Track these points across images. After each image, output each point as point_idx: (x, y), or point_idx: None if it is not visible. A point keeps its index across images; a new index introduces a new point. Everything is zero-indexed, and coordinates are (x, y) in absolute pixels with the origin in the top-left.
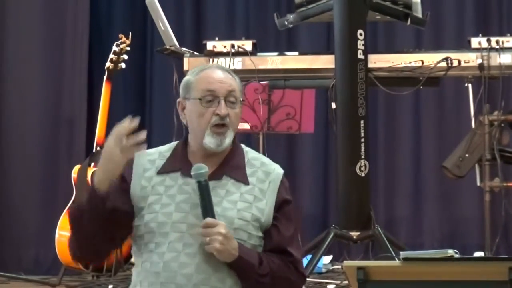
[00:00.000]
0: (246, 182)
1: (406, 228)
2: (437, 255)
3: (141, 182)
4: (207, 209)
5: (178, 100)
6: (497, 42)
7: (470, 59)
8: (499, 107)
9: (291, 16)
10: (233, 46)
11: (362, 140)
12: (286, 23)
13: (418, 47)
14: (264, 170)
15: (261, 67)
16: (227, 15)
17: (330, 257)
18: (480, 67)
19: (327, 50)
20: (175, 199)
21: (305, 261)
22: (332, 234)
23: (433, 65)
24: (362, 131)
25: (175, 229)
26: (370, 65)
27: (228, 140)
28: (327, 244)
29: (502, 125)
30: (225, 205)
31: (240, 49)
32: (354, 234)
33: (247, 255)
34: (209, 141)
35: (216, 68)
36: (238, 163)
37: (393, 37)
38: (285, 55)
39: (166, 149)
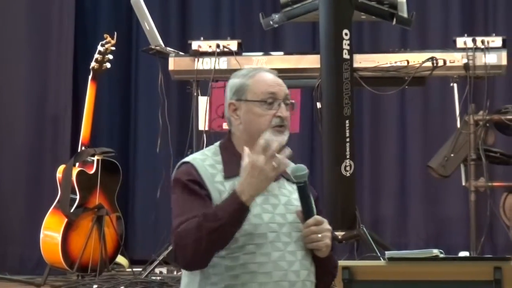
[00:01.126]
0: (292, 180)
1: (392, 228)
2: (422, 255)
3: (216, 187)
4: (310, 208)
5: (229, 102)
6: (483, 42)
7: (456, 59)
8: (484, 107)
9: (277, 16)
10: (218, 46)
11: (348, 140)
12: (271, 22)
13: (403, 47)
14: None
15: (246, 66)
16: (212, 14)
17: None
18: (466, 67)
19: (313, 50)
20: (256, 201)
21: None
22: None
23: (418, 65)
24: (347, 131)
25: (270, 229)
26: (355, 65)
27: (286, 139)
28: None
29: (487, 125)
30: (296, 203)
31: (225, 49)
32: (339, 233)
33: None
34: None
35: (268, 71)
36: None
37: (378, 37)
38: (270, 55)
39: (212, 153)
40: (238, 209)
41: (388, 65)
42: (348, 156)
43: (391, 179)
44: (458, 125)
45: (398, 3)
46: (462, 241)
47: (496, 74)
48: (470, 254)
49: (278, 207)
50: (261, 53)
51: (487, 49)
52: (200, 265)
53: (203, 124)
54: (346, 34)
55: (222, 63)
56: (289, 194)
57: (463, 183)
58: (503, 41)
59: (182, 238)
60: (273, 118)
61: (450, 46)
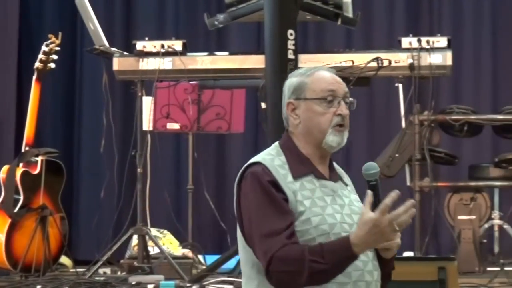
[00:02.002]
0: (345, 183)
1: None
2: None
3: (290, 187)
4: None
5: (288, 101)
6: (428, 42)
7: (401, 59)
8: (429, 107)
9: (221, 16)
10: (163, 46)
11: None
12: (216, 23)
13: (348, 47)
14: (341, 170)
15: (191, 67)
16: (157, 15)
17: None
18: (411, 67)
19: (257, 50)
20: (326, 201)
21: (234, 261)
22: None
23: (363, 65)
24: None
25: (343, 229)
26: (300, 65)
27: (345, 139)
28: None
29: (432, 125)
30: (357, 205)
31: (170, 49)
32: None
33: None
34: (332, 139)
35: (326, 69)
36: (334, 164)
37: (323, 37)
38: (215, 55)
39: (276, 153)
40: (348, 257)
41: (333, 65)
42: None
43: None
44: (403, 125)
45: (343, 3)
46: (407, 241)
47: (441, 74)
48: (414, 254)
49: (345, 207)
50: (205, 53)
51: (432, 49)
52: None
53: (147, 124)
54: (291, 34)
55: (167, 63)
56: (349, 195)
57: (408, 183)
58: (448, 41)
59: (280, 265)
60: (333, 117)
61: (395, 46)
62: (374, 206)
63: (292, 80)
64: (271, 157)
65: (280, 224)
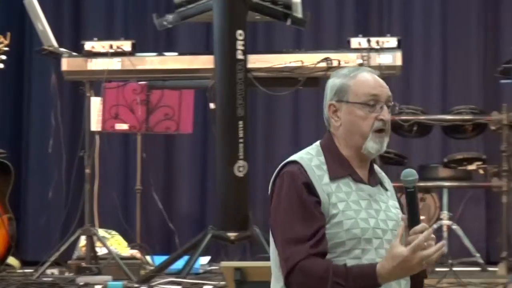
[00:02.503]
0: (385, 187)
1: None
2: None
3: (324, 189)
4: (417, 214)
5: (329, 103)
6: (377, 42)
7: (350, 59)
8: None
9: (170, 16)
10: (111, 46)
11: (241, 140)
12: (165, 23)
13: (298, 48)
14: (384, 175)
15: (139, 67)
16: (106, 15)
17: (207, 258)
18: None
19: (207, 51)
20: (361, 205)
21: (182, 261)
22: (209, 235)
23: (312, 66)
24: (240, 132)
25: (375, 235)
26: (249, 65)
27: (385, 145)
28: (204, 245)
29: None
30: (394, 211)
31: (118, 50)
32: (232, 234)
33: None
34: (371, 146)
35: (369, 71)
36: (374, 169)
37: (273, 37)
38: (164, 55)
39: (316, 153)
40: (371, 286)
41: (283, 65)
42: (241, 157)
43: None
44: None
45: (292, 3)
46: None
47: (391, 74)
48: None
49: (380, 213)
50: (154, 54)
51: (382, 50)
52: None
53: (95, 124)
54: (240, 35)
55: (115, 63)
56: (386, 200)
57: None
58: (398, 41)
59: (301, 277)
60: (375, 121)
61: (344, 46)
62: (411, 214)
63: (334, 81)
64: (309, 156)
65: (307, 230)
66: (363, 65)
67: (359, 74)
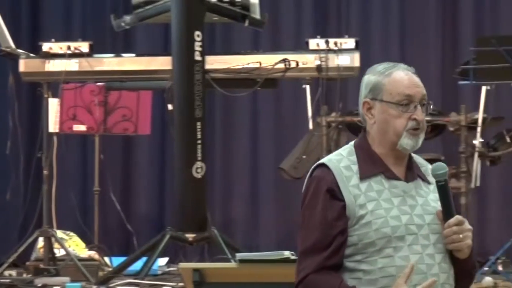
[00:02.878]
0: (428, 181)
1: (243, 230)
2: (273, 257)
3: (351, 191)
4: (451, 207)
5: (364, 100)
6: (335, 43)
7: (308, 60)
8: (337, 108)
9: (128, 18)
10: (69, 47)
11: (199, 141)
12: (123, 24)
13: (256, 49)
14: (429, 167)
15: (97, 68)
16: (63, 16)
17: (166, 259)
18: (318, 68)
19: (165, 52)
20: (393, 202)
21: (140, 263)
22: (168, 236)
23: (270, 67)
24: (198, 133)
25: (409, 231)
26: (207, 66)
27: (420, 142)
28: (163, 246)
29: (340, 126)
30: (433, 205)
31: (76, 51)
32: (190, 236)
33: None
34: (406, 143)
35: (405, 69)
36: (417, 163)
37: (231, 38)
38: (121, 56)
39: (347, 153)
40: None
41: (240, 66)
42: (199, 158)
43: (243, 181)
44: (311, 126)
45: (250, 4)
46: None
47: (349, 75)
48: None
49: (416, 208)
50: (112, 55)
51: (340, 51)
52: None
53: (53, 126)
54: (198, 36)
55: (73, 65)
56: (426, 195)
57: None
58: (356, 42)
59: None
60: (408, 121)
61: (302, 47)
62: (444, 208)
63: (369, 78)
64: (339, 157)
65: (324, 239)
66: (321, 66)
67: (394, 72)
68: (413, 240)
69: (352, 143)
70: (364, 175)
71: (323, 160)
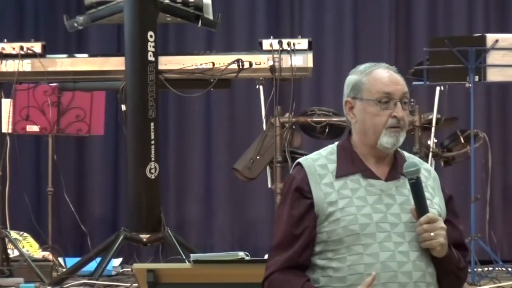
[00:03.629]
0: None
1: (197, 230)
2: (228, 257)
3: (323, 189)
4: (424, 205)
5: (345, 99)
6: (289, 44)
7: (262, 61)
8: (290, 109)
9: (81, 18)
10: (22, 48)
11: (152, 142)
12: (75, 24)
13: (209, 49)
14: (425, 168)
15: (50, 69)
16: (16, 16)
17: (120, 260)
18: (272, 69)
19: (118, 52)
20: (367, 200)
21: (94, 263)
22: (122, 237)
23: (224, 67)
24: (152, 133)
25: (380, 229)
26: (160, 67)
27: (402, 139)
28: (117, 247)
29: (293, 127)
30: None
31: (29, 51)
32: (144, 236)
33: (453, 249)
34: (386, 141)
35: (385, 68)
36: (405, 162)
37: (184, 38)
38: (74, 57)
39: (327, 152)
40: None
41: (194, 67)
42: (153, 159)
43: (197, 181)
44: (264, 127)
45: (203, 5)
46: (268, 243)
47: (303, 76)
48: None
49: (393, 206)
50: (65, 55)
51: (293, 51)
52: None
53: (6, 126)
54: (151, 36)
55: (26, 65)
56: (409, 193)
57: (269, 185)
58: (309, 43)
59: None
60: (388, 119)
61: (256, 48)
62: (417, 205)
63: (351, 78)
64: (317, 156)
65: (290, 236)
66: (274, 66)
67: (374, 71)
68: (385, 238)
69: (336, 143)
70: (340, 174)
71: (300, 159)
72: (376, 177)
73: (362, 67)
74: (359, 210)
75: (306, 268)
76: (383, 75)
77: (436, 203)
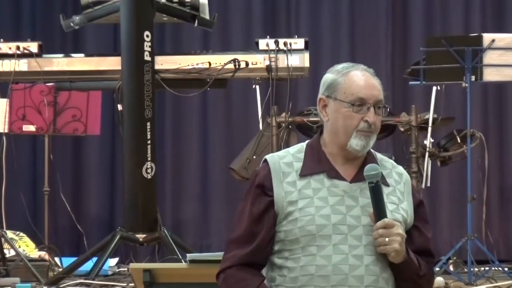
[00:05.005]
0: (386, 183)
1: (194, 230)
2: None
3: (285, 188)
4: (382, 209)
5: (319, 97)
6: (285, 43)
7: (258, 60)
8: (287, 108)
9: (77, 18)
10: (18, 47)
11: (149, 142)
12: (72, 24)
13: (205, 49)
14: (396, 171)
15: (46, 68)
16: (12, 16)
17: (116, 259)
18: (268, 68)
19: (114, 52)
20: (328, 201)
21: (91, 263)
22: (118, 236)
23: (220, 67)
24: (148, 133)
25: (337, 231)
26: (157, 66)
27: (372, 143)
28: (113, 246)
29: (290, 126)
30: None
31: (25, 51)
32: (141, 236)
33: (412, 255)
34: (356, 143)
35: (363, 70)
36: (384, 164)
37: (180, 38)
38: (71, 56)
39: (296, 151)
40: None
41: (190, 67)
42: (149, 158)
43: (193, 181)
44: (261, 127)
45: (200, 5)
46: None
47: (299, 76)
48: None
49: (354, 208)
50: (61, 55)
51: (290, 51)
52: None
53: (2, 126)
54: (147, 36)
55: (22, 65)
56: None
57: None
58: (306, 43)
59: (223, 284)
60: (360, 122)
61: (252, 48)
62: (375, 210)
63: (327, 76)
64: (284, 154)
65: (250, 232)
66: (271, 66)
67: (351, 72)
68: (341, 240)
69: (306, 142)
70: (304, 173)
71: (267, 156)
72: (341, 178)
73: (340, 66)
74: (318, 210)
75: (263, 266)
76: (359, 78)
77: (403, 208)
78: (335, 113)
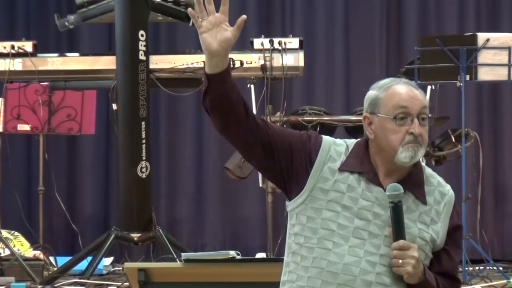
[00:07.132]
0: (424, 201)
1: (189, 230)
2: (219, 256)
3: (324, 172)
4: (401, 230)
5: (364, 115)
6: (280, 43)
7: (253, 60)
8: (282, 108)
9: (72, 17)
10: (13, 47)
11: (143, 141)
12: (66, 24)
13: (200, 48)
14: (440, 190)
15: (41, 68)
16: (7, 15)
17: (111, 259)
18: (263, 68)
19: (109, 51)
20: (358, 203)
21: (85, 263)
22: (113, 236)
23: None
24: (143, 132)
25: (357, 234)
26: (151, 66)
27: (420, 154)
28: (108, 246)
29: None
30: (406, 222)
31: (20, 50)
32: (135, 235)
33: (430, 277)
34: (404, 156)
35: (404, 83)
36: (419, 180)
37: (175, 38)
38: (66, 56)
39: (350, 144)
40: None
41: (185, 66)
42: (144, 158)
43: (188, 180)
44: None
45: (194, 4)
46: (259, 242)
47: (294, 75)
48: (267, 255)
49: (381, 217)
50: (56, 54)
51: (284, 50)
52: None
53: None
54: (142, 35)
55: (17, 64)
56: (405, 210)
57: (260, 185)
58: (300, 42)
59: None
60: (405, 135)
61: (247, 47)
62: (394, 229)
63: (370, 93)
64: (340, 142)
65: (272, 123)
66: (266, 66)
67: (392, 86)
68: (358, 244)
69: (359, 139)
70: (343, 168)
71: (323, 135)
72: (378, 184)
73: (381, 82)
74: (345, 210)
75: (251, 118)
76: (401, 90)
77: (433, 229)
78: (380, 129)
